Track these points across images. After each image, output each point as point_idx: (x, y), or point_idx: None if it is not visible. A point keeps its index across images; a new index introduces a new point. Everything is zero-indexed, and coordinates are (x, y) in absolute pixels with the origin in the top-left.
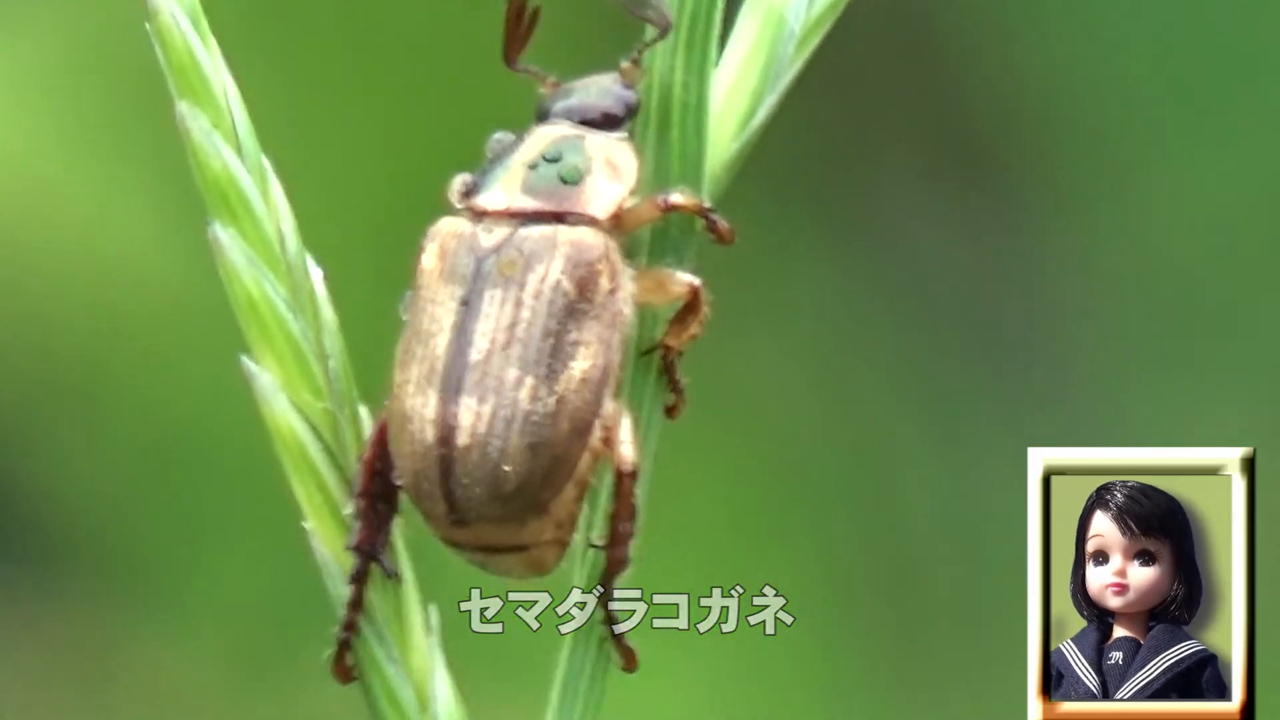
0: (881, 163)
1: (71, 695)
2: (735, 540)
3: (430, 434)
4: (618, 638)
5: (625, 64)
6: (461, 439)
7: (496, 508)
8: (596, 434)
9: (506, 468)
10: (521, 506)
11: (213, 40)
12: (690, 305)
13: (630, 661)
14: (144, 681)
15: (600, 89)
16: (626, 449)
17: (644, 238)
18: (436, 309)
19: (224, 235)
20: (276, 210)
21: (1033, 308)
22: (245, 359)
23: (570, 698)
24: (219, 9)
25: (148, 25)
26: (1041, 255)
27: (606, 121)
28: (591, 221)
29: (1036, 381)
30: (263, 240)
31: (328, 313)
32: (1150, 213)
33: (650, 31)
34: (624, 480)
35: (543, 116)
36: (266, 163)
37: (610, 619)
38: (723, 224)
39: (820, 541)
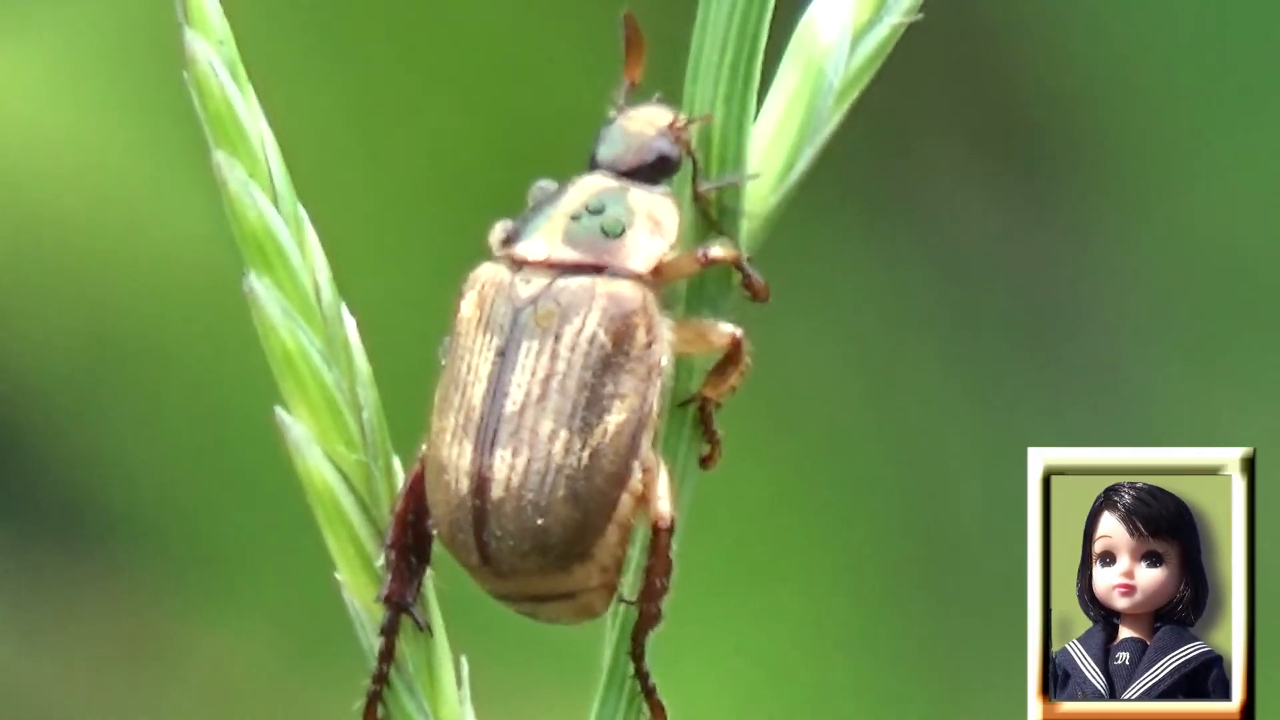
0: (925, 147)
1: (129, 677)
2: (770, 524)
3: (465, 485)
4: (649, 692)
5: (679, 120)
6: (496, 491)
7: (530, 560)
8: (636, 476)
9: (540, 521)
10: (556, 558)
11: (250, 89)
12: (731, 356)
13: (660, 715)
14: (202, 664)
15: (643, 142)
16: (664, 504)
17: (680, 290)
18: (473, 358)
19: (259, 286)
20: (312, 260)
21: (1075, 295)
22: (279, 410)
23: None
24: (254, 53)
25: (185, 74)
26: (1085, 242)
27: (649, 175)
28: (631, 275)
29: (1077, 371)
30: (298, 291)
31: (362, 364)
32: (1196, 201)
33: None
34: (660, 535)
35: (590, 165)
36: (303, 212)
37: (641, 673)
38: (758, 280)
39: (858, 527)
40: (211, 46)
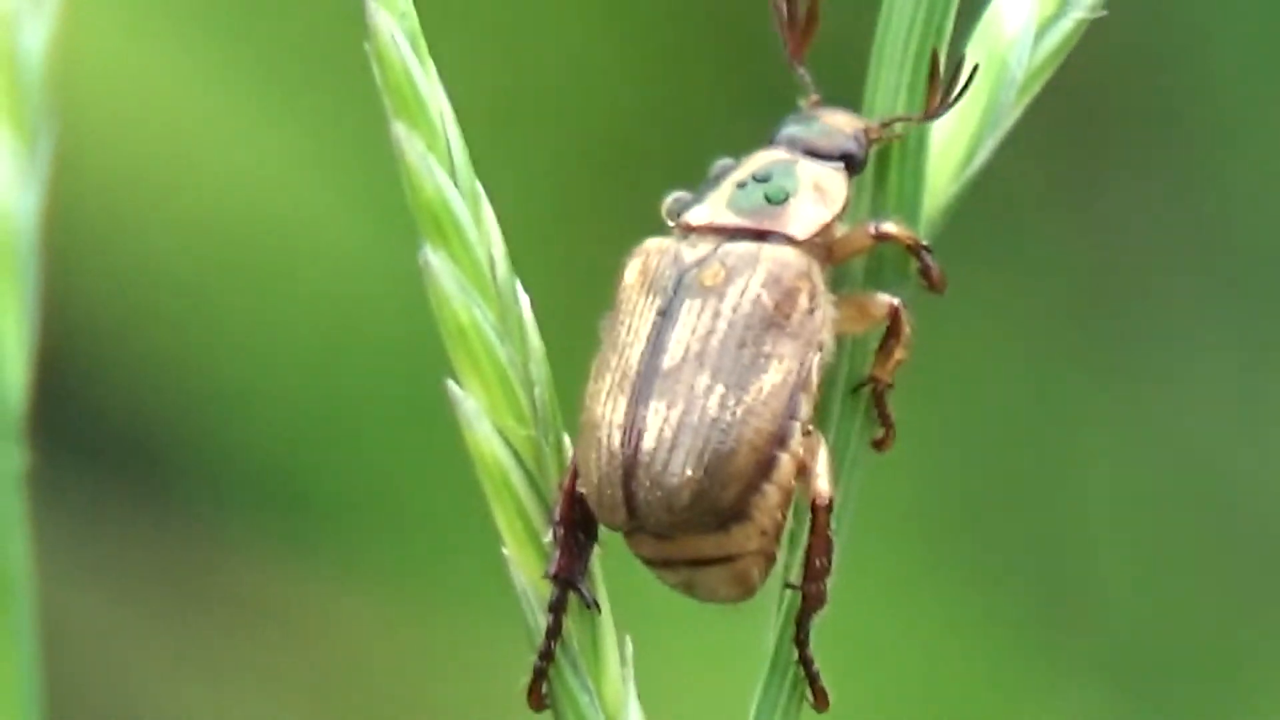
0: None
1: (182, 618)
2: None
3: (617, 438)
4: (813, 677)
5: (875, 124)
6: (647, 442)
7: (676, 515)
8: (795, 438)
9: (689, 472)
10: (700, 514)
11: (430, 62)
12: (891, 329)
13: (823, 701)
14: (254, 604)
15: (835, 129)
16: (823, 482)
17: (857, 275)
18: (634, 320)
19: (434, 259)
20: (488, 235)
21: (1136, 266)
22: (450, 383)
23: None
24: (433, 29)
25: (366, 45)
26: (1152, 222)
27: (824, 158)
28: (792, 241)
29: (1140, 356)
30: (473, 265)
31: (535, 340)
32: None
33: (914, 108)
34: (819, 513)
35: (769, 142)
36: (479, 187)
37: (805, 658)
38: (936, 268)
39: (912, 511)
40: (394, 19)
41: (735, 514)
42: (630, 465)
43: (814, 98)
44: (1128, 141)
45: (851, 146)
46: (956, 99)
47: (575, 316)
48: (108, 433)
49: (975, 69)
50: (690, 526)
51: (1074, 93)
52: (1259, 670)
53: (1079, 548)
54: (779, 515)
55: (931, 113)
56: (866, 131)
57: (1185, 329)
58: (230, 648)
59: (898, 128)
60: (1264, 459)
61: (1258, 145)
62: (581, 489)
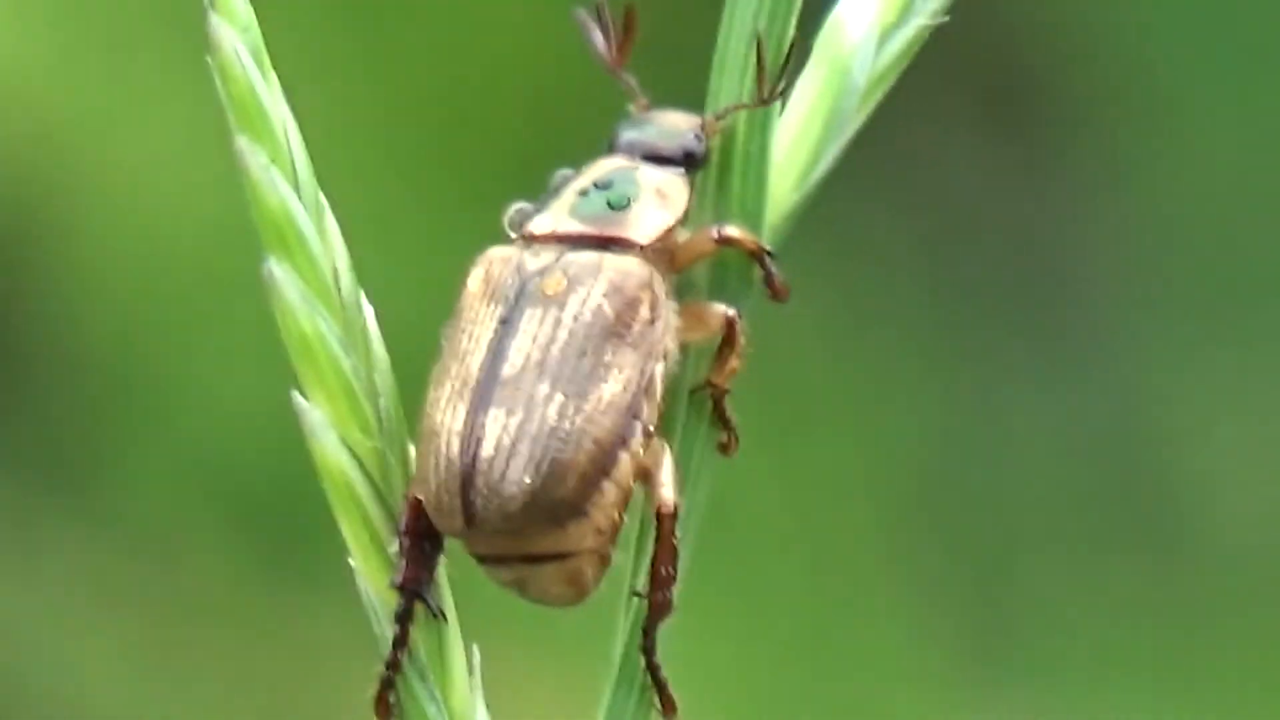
0: (912, 106)
1: (91, 614)
2: (750, 504)
3: (455, 445)
4: (660, 685)
5: (710, 117)
6: (486, 450)
7: (515, 521)
8: (636, 438)
9: (527, 480)
10: (541, 521)
11: (274, 76)
12: (726, 339)
13: (670, 709)
14: (176, 597)
15: (672, 130)
16: (667, 490)
17: (701, 284)
18: (475, 328)
19: (279, 271)
20: (332, 247)
21: (1062, 255)
22: (295, 395)
23: None
24: (277, 41)
25: (209, 59)
26: (1073, 202)
27: (666, 162)
28: (635, 247)
29: (1070, 342)
30: (317, 277)
31: (380, 351)
32: (1187, 165)
33: (750, 96)
34: (664, 521)
35: (609, 149)
36: (323, 199)
37: (651, 666)
38: (779, 276)
39: (830, 500)
40: (236, 33)
41: (572, 511)
42: (468, 472)
43: (642, 101)
44: (1058, 121)
45: (692, 144)
46: (789, 82)
47: (420, 328)
48: (39, 430)
49: (801, 47)
50: (527, 531)
51: (1004, 70)
52: (1195, 666)
53: (1012, 541)
54: (615, 515)
55: (766, 98)
56: (704, 126)
57: (1118, 317)
58: (162, 645)
59: (733, 117)
60: (1201, 450)
61: (1184, 129)
62: (419, 494)
